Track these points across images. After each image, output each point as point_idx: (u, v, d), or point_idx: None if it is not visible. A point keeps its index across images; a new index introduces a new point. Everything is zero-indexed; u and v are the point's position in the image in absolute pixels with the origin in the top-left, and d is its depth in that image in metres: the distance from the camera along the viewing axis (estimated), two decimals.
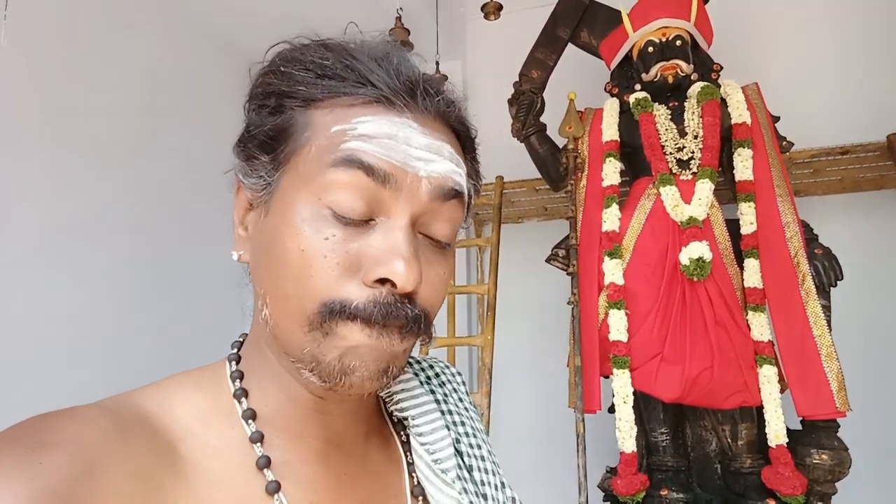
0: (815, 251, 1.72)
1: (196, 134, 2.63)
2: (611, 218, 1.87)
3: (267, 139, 0.47)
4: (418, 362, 0.65)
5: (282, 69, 0.47)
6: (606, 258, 1.84)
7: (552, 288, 2.42)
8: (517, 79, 2.14)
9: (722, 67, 1.96)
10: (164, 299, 2.45)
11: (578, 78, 2.27)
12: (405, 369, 0.59)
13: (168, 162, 2.50)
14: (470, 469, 0.59)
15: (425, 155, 0.45)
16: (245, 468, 0.46)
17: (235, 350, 0.54)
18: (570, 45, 2.16)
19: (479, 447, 0.62)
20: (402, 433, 0.59)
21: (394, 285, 0.43)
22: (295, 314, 0.44)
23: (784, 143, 1.89)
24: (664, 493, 1.71)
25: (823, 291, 1.68)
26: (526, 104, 2.10)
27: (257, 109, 0.48)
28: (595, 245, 1.89)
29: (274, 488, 0.45)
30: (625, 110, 1.99)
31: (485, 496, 0.58)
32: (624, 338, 1.75)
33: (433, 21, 2.37)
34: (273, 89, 0.47)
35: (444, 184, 0.45)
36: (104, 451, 0.38)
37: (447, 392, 0.64)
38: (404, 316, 0.44)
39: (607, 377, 1.79)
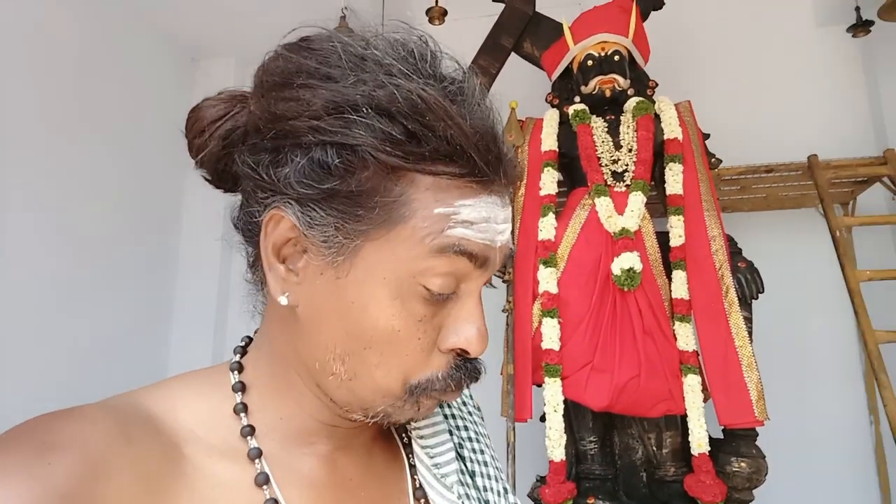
0: (739, 264, 1.78)
1: (132, 126, 2.53)
2: (547, 227, 1.89)
3: (346, 198, 0.42)
4: None
5: (364, 118, 0.41)
6: (541, 266, 1.85)
7: (487, 295, 2.39)
8: None
9: (657, 84, 2.01)
10: (95, 295, 2.32)
11: (521, 87, 2.28)
12: None
13: (101, 153, 2.38)
14: (472, 475, 0.59)
15: (503, 227, 0.46)
16: (249, 476, 0.46)
17: (238, 358, 0.52)
18: (513, 54, 2.18)
19: (482, 452, 0.61)
20: (403, 435, 0.59)
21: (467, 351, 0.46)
22: (380, 383, 0.44)
23: (713, 159, 1.95)
24: (591, 501, 1.72)
25: (745, 303, 1.74)
26: None
27: (325, 150, 0.42)
28: (531, 253, 1.90)
29: None
30: (564, 121, 2.02)
31: (487, 502, 0.58)
32: (556, 346, 1.76)
33: (380, 23, 2.35)
34: (357, 141, 0.41)
35: (507, 248, 0.48)
36: (109, 452, 0.38)
37: None
38: (474, 376, 0.47)
39: (539, 385, 1.80)
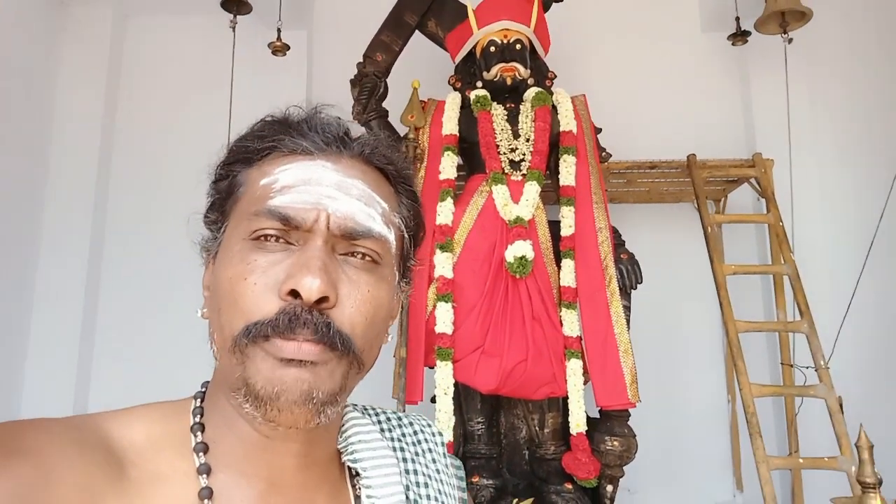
0: (622, 256, 1.88)
1: None
2: (445, 211, 1.89)
3: (217, 200, 0.55)
4: (399, 418, 0.66)
5: (233, 146, 0.56)
6: (438, 251, 1.85)
7: None
8: (361, 59, 2.07)
9: (556, 76, 2.06)
10: None
11: (425, 67, 2.26)
12: (364, 419, 0.61)
13: None
14: None
15: (333, 193, 0.51)
16: (187, 498, 0.48)
17: (203, 389, 0.57)
18: (417, 32, 2.14)
19: None
20: (357, 486, 0.58)
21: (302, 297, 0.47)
22: (226, 339, 0.48)
23: (604, 153, 2.04)
24: (475, 480, 1.77)
25: (625, 293, 1.85)
26: (368, 87, 2.04)
27: (214, 182, 0.56)
28: (428, 237, 1.90)
29: None
30: (466, 105, 2.02)
31: None
32: (449, 330, 1.79)
33: None
34: (225, 160, 0.56)
35: (345, 224, 0.50)
36: (61, 464, 0.43)
37: (419, 451, 0.63)
38: (312, 324, 0.46)
39: (432, 368, 1.81)
